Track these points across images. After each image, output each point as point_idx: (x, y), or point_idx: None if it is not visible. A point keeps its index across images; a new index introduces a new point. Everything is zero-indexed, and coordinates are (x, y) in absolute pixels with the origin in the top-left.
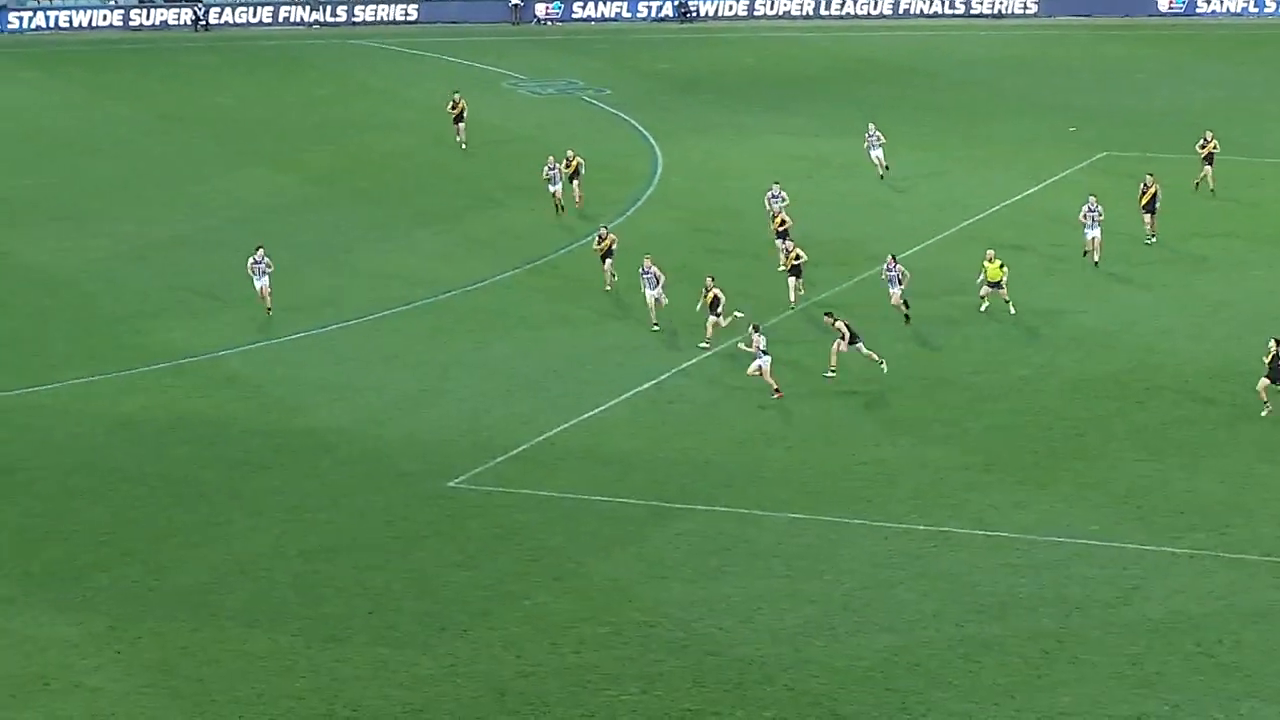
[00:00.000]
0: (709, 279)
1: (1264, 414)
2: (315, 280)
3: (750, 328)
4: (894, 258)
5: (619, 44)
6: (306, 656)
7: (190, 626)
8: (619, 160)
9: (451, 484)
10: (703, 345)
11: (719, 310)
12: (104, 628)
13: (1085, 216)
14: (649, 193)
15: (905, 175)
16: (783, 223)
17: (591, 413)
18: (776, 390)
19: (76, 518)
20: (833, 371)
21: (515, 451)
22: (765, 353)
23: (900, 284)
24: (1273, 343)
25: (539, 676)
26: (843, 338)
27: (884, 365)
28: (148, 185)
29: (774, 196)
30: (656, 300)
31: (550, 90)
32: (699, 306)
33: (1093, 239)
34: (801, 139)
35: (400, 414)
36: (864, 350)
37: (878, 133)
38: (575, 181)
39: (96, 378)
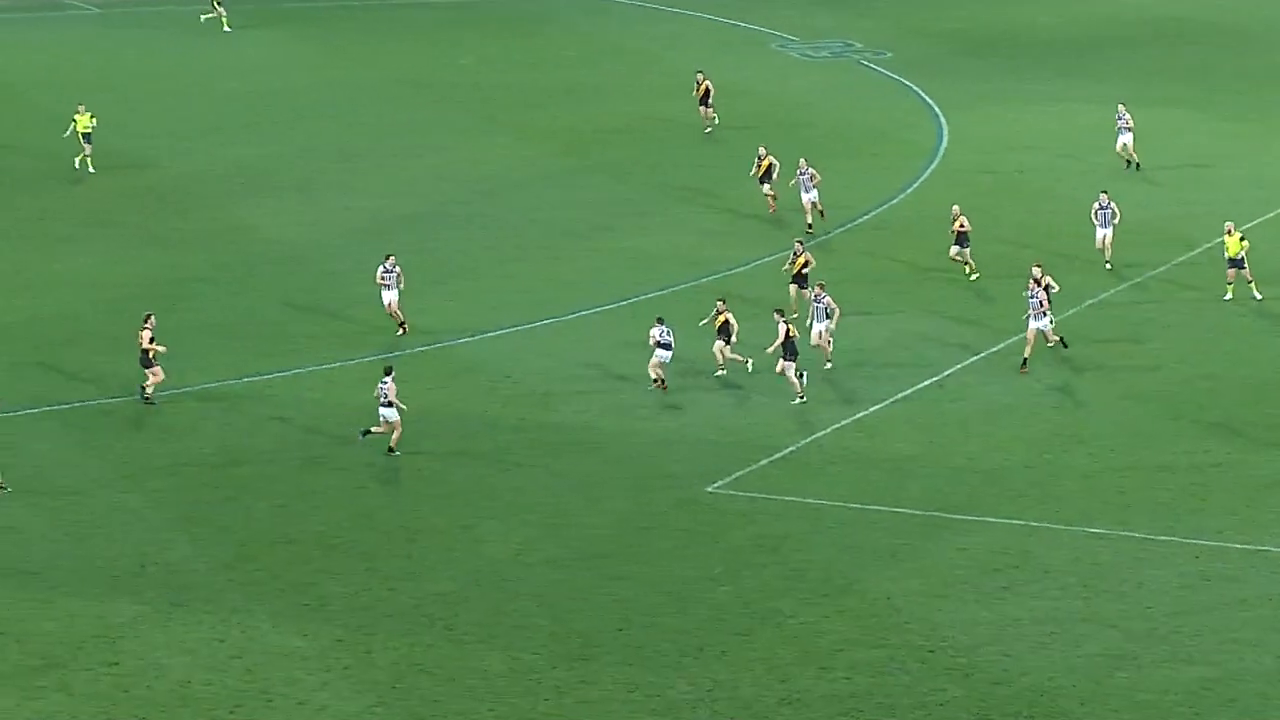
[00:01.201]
0: (720, 302)
1: None
2: (569, 261)
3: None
4: (822, 286)
5: (900, 1)
6: (550, 676)
7: (426, 641)
8: (900, 131)
9: (711, 488)
10: (719, 374)
11: (730, 337)
12: (332, 640)
13: (1096, 215)
14: (932, 168)
15: (1222, 150)
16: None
17: (865, 412)
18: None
19: (309, 518)
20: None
21: (781, 454)
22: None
23: (829, 318)
24: None
25: (805, 704)
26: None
27: (749, 364)
28: (385, 154)
29: (1103, 208)
30: (820, 334)
31: (824, 53)
32: (702, 322)
33: (1103, 238)
34: (1106, 108)
35: (658, 409)
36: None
37: (1127, 115)
38: (766, 184)
39: (336, 365)
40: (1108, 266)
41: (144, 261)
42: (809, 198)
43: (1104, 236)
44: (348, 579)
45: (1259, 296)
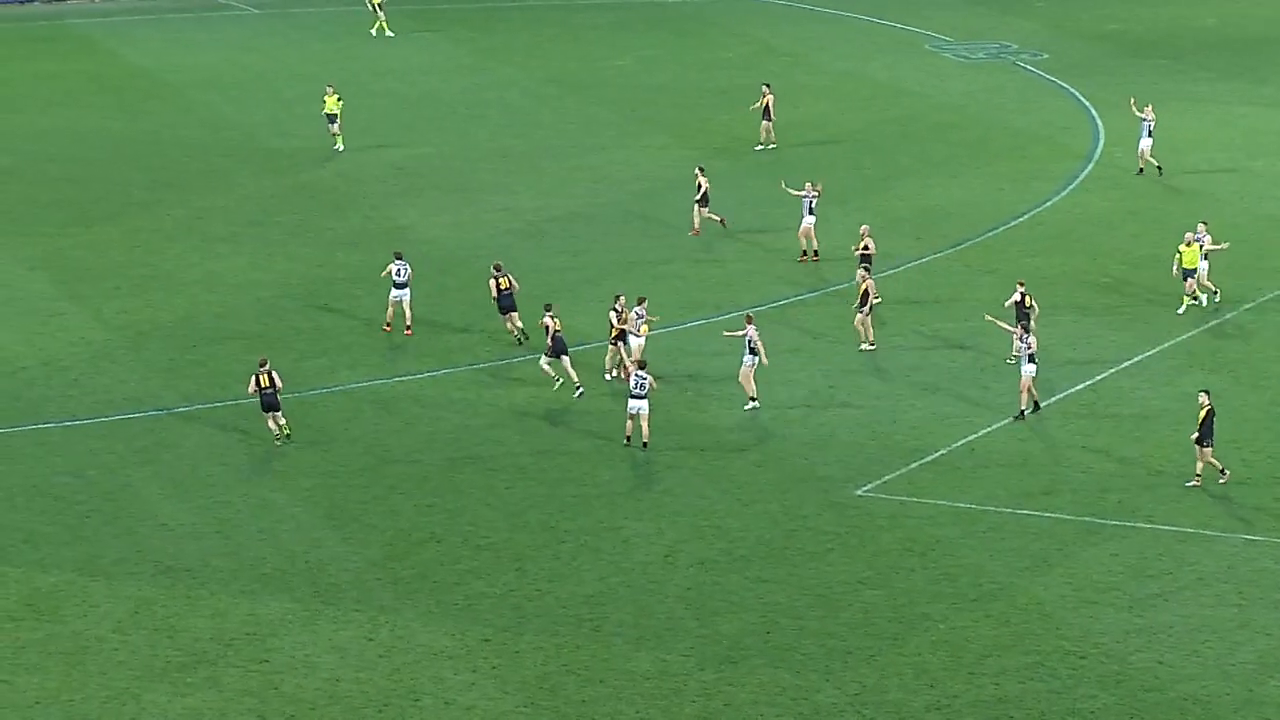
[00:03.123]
0: (748, 323)
1: (1190, 484)
2: (723, 261)
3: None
4: (749, 318)
5: (1058, 1)
6: (697, 679)
7: (574, 642)
8: (1056, 133)
9: (860, 491)
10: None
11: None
12: (480, 640)
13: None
14: (1088, 170)
15: None
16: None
17: (1015, 415)
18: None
19: (459, 517)
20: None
21: (932, 457)
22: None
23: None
24: (1203, 395)
25: (954, 710)
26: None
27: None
28: (541, 155)
29: (1197, 238)
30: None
31: (980, 55)
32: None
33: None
34: (1273, 110)
35: (807, 411)
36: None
37: (1152, 116)
38: (698, 208)
39: (488, 364)
40: (1202, 300)
41: (299, 259)
42: (809, 222)
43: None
44: (495, 579)
45: (1205, 304)
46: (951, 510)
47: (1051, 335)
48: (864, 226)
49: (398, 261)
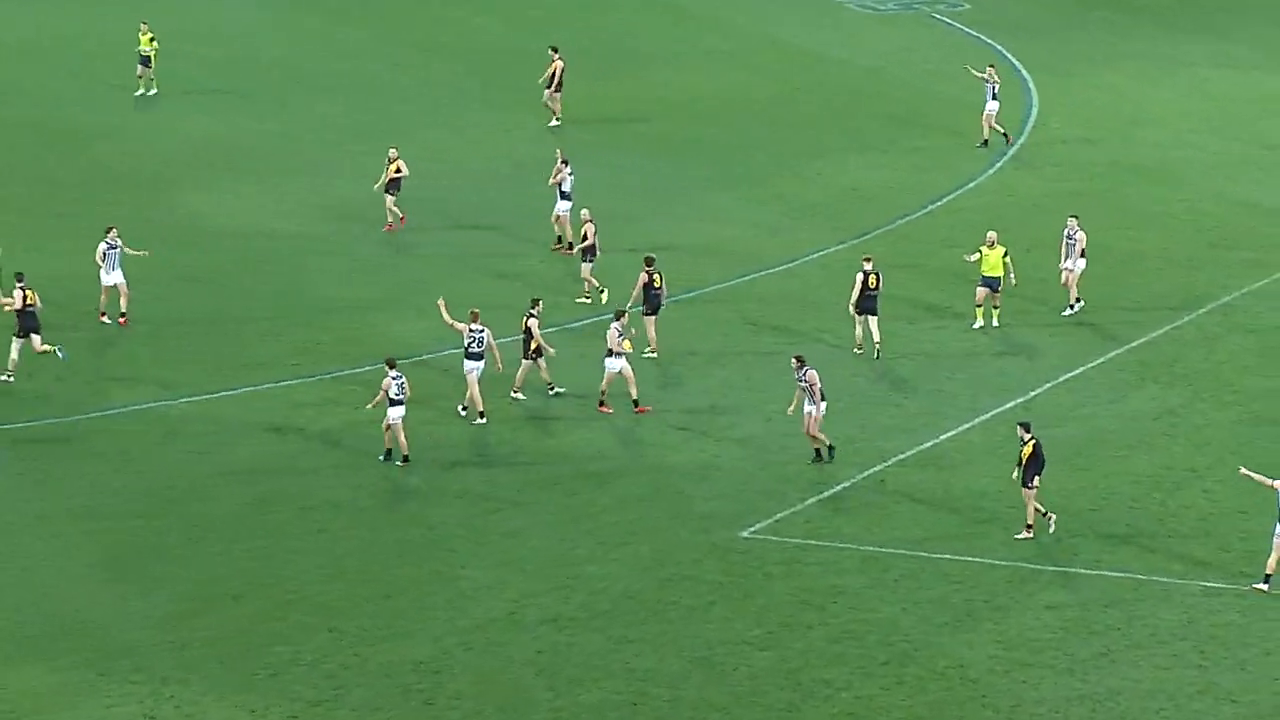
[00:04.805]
0: (532, 312)
1: (1020, 535)
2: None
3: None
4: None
5: None
6: None
7: (402, 717)
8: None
9: (747, 532)
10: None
11: (535, 352)
12: (287, 716)
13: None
14: (1019, 144)
15: None
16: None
17: (935, 440)
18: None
19: (262, 566)
20: None
21: (833, 490)
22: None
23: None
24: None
25: None
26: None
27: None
28: (392, 133)
29: (1069, 238)
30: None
31: (890, 6)
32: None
33: (1066, 275)
34: (1242, 74)
35: (684, 436)
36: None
37: (995, 78)
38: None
39: (299, 381)
40: (1072, 308)
41: (67, 255)
42: (562, 208)
43: (1067, 273)
44: (305, 642)
45: (996, 323)
46: (857, 554)
47: (977, 342)
48: (584, 211)
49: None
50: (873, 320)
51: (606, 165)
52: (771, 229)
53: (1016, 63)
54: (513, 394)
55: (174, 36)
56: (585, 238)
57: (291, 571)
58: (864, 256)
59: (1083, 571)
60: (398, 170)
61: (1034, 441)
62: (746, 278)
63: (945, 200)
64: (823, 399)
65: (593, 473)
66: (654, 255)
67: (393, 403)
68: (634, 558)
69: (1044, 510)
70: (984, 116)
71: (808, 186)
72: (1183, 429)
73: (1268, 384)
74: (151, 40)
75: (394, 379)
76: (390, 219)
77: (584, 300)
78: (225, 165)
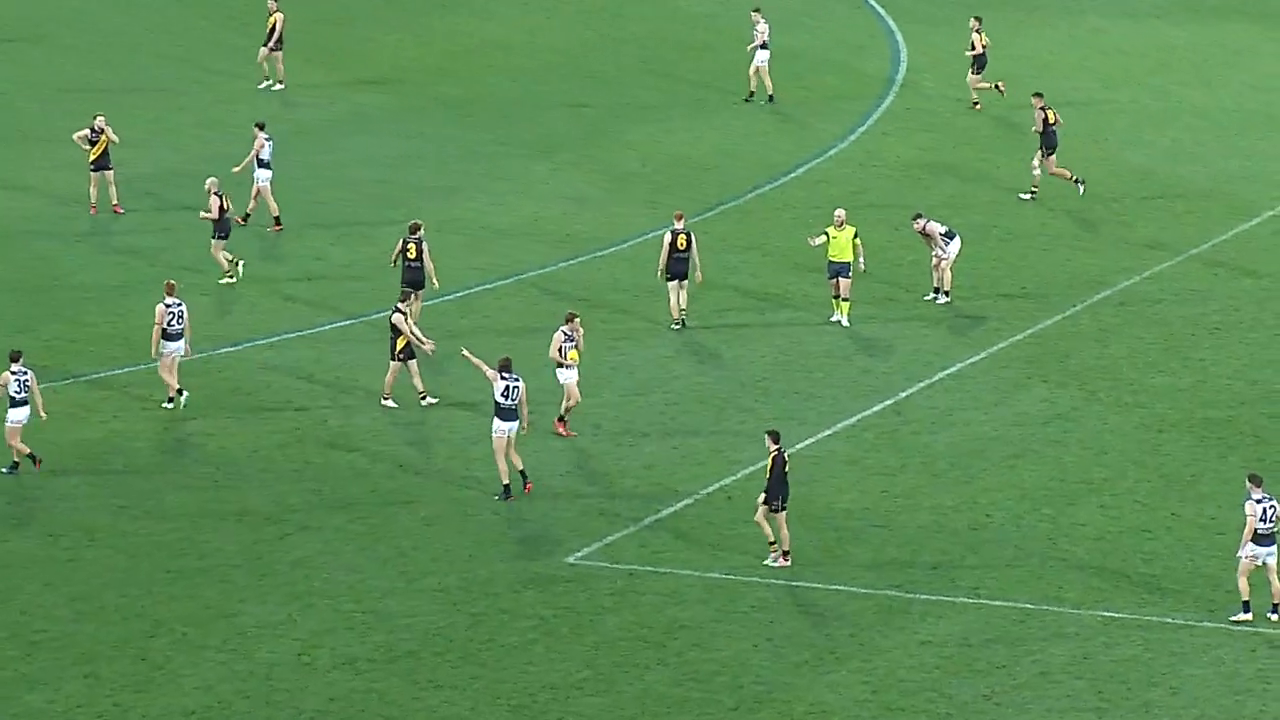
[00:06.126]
0: (399, 305)
1: (773, 561)
2: (378, 238)
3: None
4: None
5: None
6: None
7: None
8: (842, 55)
9: (574, 558)
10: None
11: (404, 353)
12: None
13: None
14: (884, 106)
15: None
16: None
17: (793, 448)
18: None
19: (5, 602)
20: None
21: (674, 507)
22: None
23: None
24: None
25: None
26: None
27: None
28: (130, 93)
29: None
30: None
31: None
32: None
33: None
34: (1138, 23)
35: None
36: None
37: (763, 24)
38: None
39: (46, 386)
40: (943, 299)
41: None
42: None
43: (941, 258)
44: (58, 689)
45: (846, 323)
46: (701, 583)
47: (837, 337)
48: (210, 181)
49: None
50: (683, 287)
51: (399, 133)
52: (592, 204)
53: (881, 10)
54: (383, 401)
55: None
56: (214, 211)
57: (39, 607)
58: (675, 213)
59: (962, 601)
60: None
61: (775, 455)
62: (566, 263)
63: (800, 170)
64: None
65: (393, 491)
66: (420, 223)
67: (14, 403)
68: (441, 590)
69: (772, 540)
70: (752, 69)
71: (632, 155)
72: (1076, 435)
73: (1173, 382)
74: None
75: (14, 375)
76: (97, 202)
77: (228, 281)
78: None
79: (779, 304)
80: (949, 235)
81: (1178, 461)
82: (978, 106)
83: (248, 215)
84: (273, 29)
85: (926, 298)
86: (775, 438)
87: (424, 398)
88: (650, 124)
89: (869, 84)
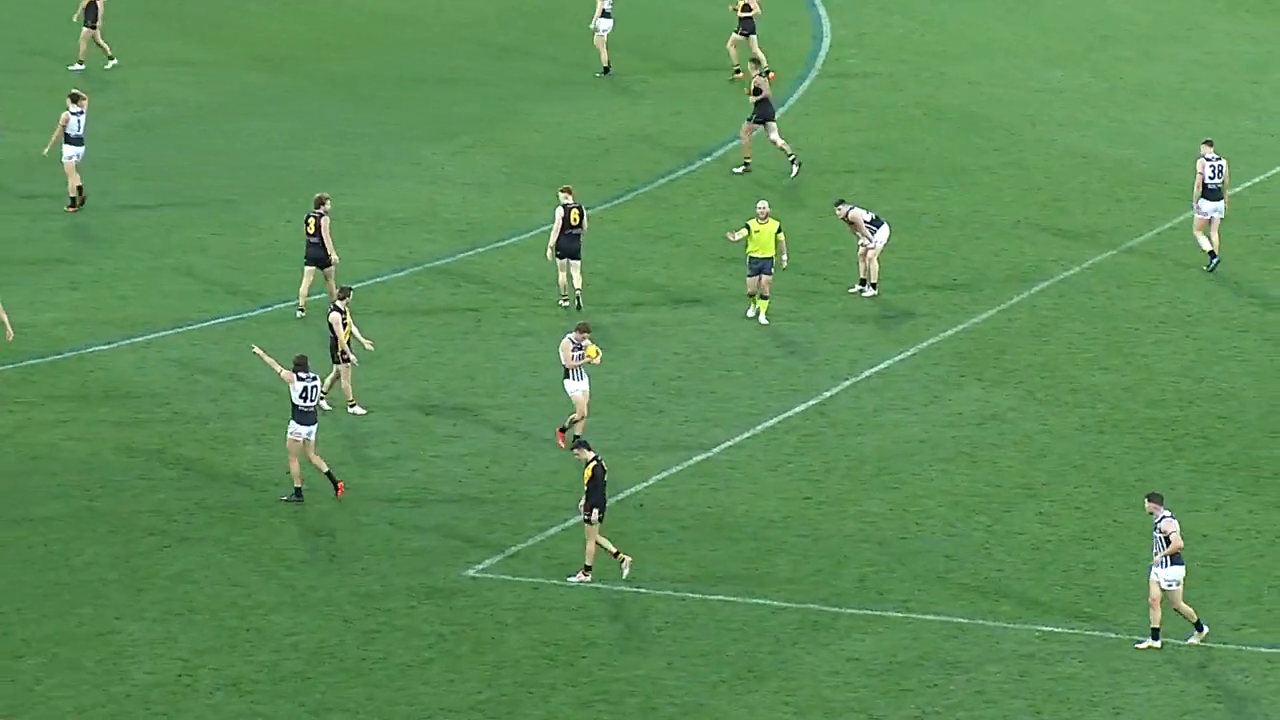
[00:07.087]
0: (337, 304)
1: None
2: (264, 228)
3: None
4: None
5: None
6: None
7: None
8: (767, 30)
9: (474, 571)
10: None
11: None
12: None
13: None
14: (805, 85)
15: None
16: None
17: (707, 454)
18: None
19: None
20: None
21: (580, 517)
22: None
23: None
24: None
25: None
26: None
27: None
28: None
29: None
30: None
31: None
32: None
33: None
34: None
35: (396, 449)
36: None
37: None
38: None
39: None
40: (870, 291)
41: None
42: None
43: (868, 247)
44: None
45: (765, 320)
46: (611, 597)
47: (754, 333)
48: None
49: None
50: (575, 265)
51: (287, 114)
52: (493, 190)
53: None
54: (350, 410)
55: None
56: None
57: None
58: (563, 188)
59: (891, 615)
60: None
61: (593, 464)
62: (466, 253)
63: (714, 155)
64: None
65: (278, 500)
66: (325, 195)
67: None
68: (331, 605)
69: (615, 550)
70: (596, 39)
71: (534, 137)
72: (1012, 437)
73: (1115, 380)
74: None
75: None
76: None
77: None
78: None
79: (693, 298)
80: (875, 223)
81: (1121, 465)
82: (739, 75)
83: (74, 199)
84: (88, 6)
85: (851, 290)
86: (586, 446)
87: (352, 405)
88: (555, 102)
89: (791, 63)
